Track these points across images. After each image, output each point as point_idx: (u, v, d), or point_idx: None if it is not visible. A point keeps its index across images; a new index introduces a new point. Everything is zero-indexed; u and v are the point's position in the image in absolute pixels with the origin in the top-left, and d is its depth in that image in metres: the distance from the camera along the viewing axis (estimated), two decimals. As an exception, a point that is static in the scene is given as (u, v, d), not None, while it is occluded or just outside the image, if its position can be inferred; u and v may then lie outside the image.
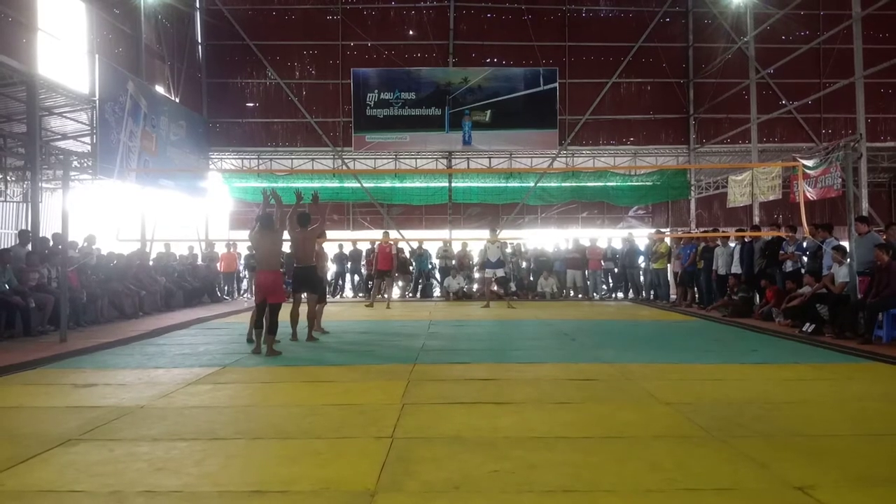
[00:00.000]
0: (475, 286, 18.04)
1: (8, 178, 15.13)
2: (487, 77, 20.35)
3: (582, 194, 21.31)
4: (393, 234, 19.47)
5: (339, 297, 18.30)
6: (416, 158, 21.14)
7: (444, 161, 21.29)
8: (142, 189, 16.47)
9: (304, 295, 9.51)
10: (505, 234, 19.61)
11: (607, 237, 19.02)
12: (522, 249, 18.39)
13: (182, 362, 7.51)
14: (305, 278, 9.23)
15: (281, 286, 8.36)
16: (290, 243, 9.19)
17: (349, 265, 18.78)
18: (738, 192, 18.25)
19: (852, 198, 10.13)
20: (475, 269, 18.27)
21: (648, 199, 21.53)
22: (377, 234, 17.43)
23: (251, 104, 21.14)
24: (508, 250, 17.39)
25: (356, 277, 18.99)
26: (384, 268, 15.28)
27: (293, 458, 3.98)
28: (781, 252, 11.64)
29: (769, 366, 7.25)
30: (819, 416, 5.00)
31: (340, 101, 20.87)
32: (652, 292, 16.38)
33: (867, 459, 3.95)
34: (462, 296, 17.37)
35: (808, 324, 9.48)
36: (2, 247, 11.51)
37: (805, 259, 11.39)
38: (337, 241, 18.43)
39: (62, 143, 15.16)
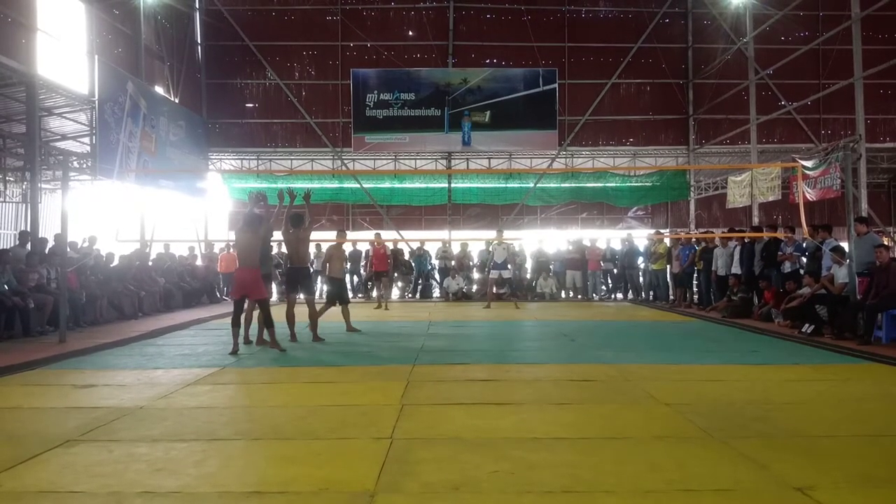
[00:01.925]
0: (474, 287, 18.03)
1: (7, 178, 15.12)
2: (487, 78, 20.36)
3: (581, 195, 21.31)
4: (392, 234, 19.50)
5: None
6: (415, 159, 21.14)
7: (444, 162, 21.30)
8: (141, 189, 16.46)
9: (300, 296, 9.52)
10: (505, 234, 19.57)
11: (606, 238, 19.02)
12: (517, 249, 18.31)
13: (181, 363, 7.51)
14: (300, 279, 9.23)
15: (260, 282, 8.36)
16: (284, 244, 9.19)
17: (348, 266, 18.72)
18: (738, 193, 18.25)
19: (851, 198, 10.13)
20: (475, 269, 18.27)
21: (648, 199, 21.54)
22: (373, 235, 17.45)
23: (250, 105, 21.14)
24: (516, 249, 17.35)
25: (356, 278, 18.97)
26: (380, 269, 15.36)
27: (292, 459, 3.97)
28: (780, 253, 11.64)
29: (768, 366, 7.25)
30: (818, 417, 5.00)
31: (340, 101, 20.88)
32: (651, 293, 16.38)
33: (866, 460, 3.95)
34: (461, 296, 17.37)
35: (807, 324, 9.47)
36: (1, 247, 11.51)
37: (804, 260, 11.39)
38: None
39: (61, 144, 15.15)
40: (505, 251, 15.24)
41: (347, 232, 20.57)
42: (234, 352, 8.08)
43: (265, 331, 8.53)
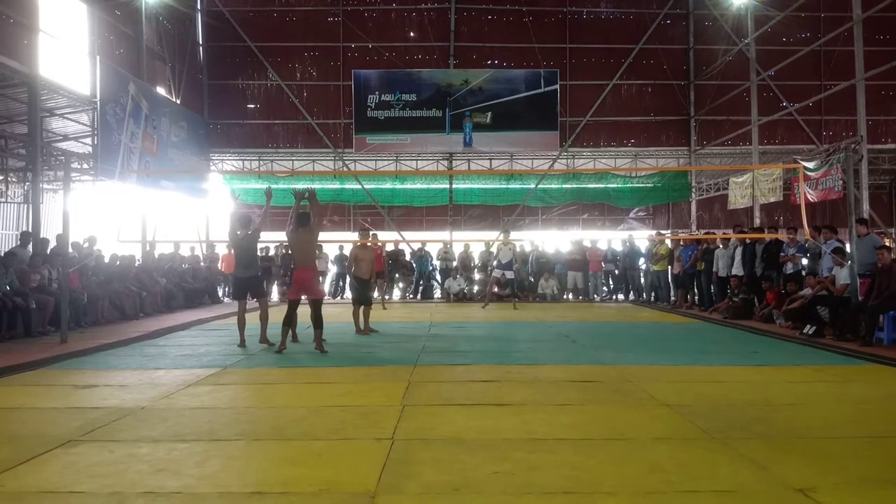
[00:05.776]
0: (475, 288, 18.03)
1: (9, 179, 15.16)
2: (488, 79, 20.37)
3: (583, 196, 21.31)
4: (394, 235, 19.49)
5: (339, 298, 18.30)
6: (416, 160, 21.15)
7: (445, 163, 21.31)
8: (143, 190, 16.45)
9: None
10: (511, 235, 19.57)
11: (608, 239, 19.02)
12: (517, 250, 18.27)
13: (183, 363, 7.52)
14: None
15: (317, 283, 8.40)
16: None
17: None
18: (739, 194, 18.25)
19: (853, 200, 10.11)
20: (476, 270, 18.26)
21: (649, 200, 21.54)
22: (379, 235, 17.42)
23: (252, 105, 21.16)
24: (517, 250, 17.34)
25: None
26: (377, 269, 15.38)
27: (293, 460, 3.98)
28: (782, 254, 11.63)
29: (770, 368, 7.25)
30: (819, 418, 5.00)
31: (341, 102, 20.89)
32: (652, 294, 16.38)
33: (868, 461, 3.94)
34: (463, 297, 17.38)
35: (808, 326, 9.46)
36: (1, 248, 11.53)
37: (805, 261, 11.38)
38: (337, 243, 18.43)
39: (63, 145, 15.17)
40: (511, 252, 15.25)
41: (348, 233, 20.83)
42: (282, 349, 8.20)
43: (288, 330, 8.56)
